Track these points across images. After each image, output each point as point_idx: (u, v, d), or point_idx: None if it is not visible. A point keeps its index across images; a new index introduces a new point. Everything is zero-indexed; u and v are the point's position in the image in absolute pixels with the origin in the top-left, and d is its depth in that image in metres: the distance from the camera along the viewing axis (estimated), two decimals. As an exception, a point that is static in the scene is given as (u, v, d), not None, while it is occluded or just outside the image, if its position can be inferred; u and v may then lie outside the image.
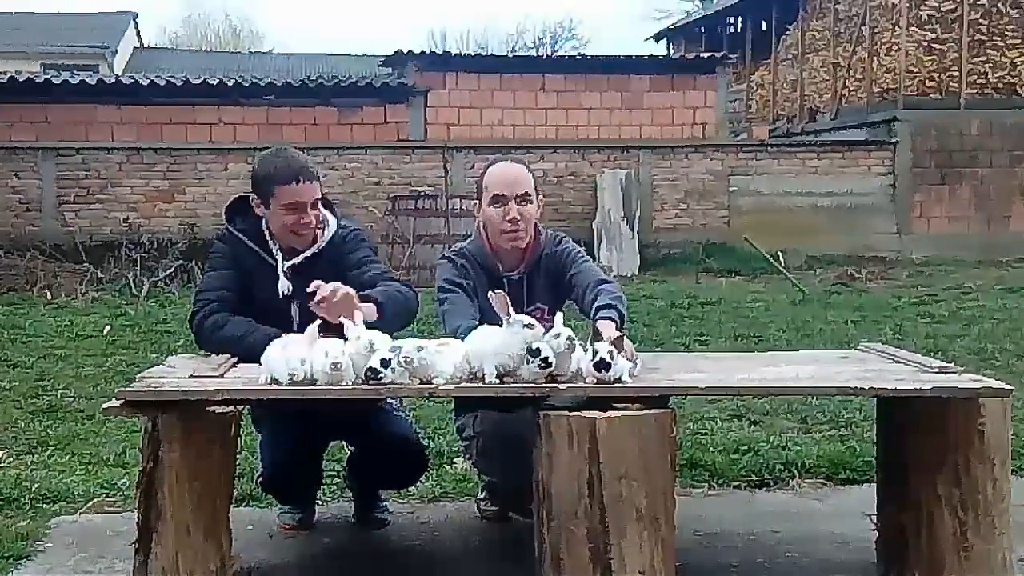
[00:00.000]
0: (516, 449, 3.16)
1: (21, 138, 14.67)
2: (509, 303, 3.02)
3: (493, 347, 2.97)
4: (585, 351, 3.00)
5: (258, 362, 3.11)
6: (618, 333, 3.11)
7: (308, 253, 3.62)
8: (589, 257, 3.77)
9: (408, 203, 13.45)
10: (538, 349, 2.93)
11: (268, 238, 3.65)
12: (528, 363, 2.93)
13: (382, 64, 17.97)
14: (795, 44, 20.36)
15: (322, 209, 3.67)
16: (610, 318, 3.30)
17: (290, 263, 3.61)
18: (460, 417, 3.84)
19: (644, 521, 2.85)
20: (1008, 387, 3.11)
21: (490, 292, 3.14)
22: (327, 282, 3.34)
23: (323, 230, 3.66)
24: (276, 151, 3.69)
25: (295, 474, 3.71)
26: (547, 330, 2.99)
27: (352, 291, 3.22)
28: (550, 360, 2.92)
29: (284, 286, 3.59)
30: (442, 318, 3.52)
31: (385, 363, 2.90)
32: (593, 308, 3.41)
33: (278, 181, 3.52)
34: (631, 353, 3.08)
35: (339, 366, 2.91)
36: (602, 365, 2.93)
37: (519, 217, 3.58)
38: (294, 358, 2.94)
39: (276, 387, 2.97)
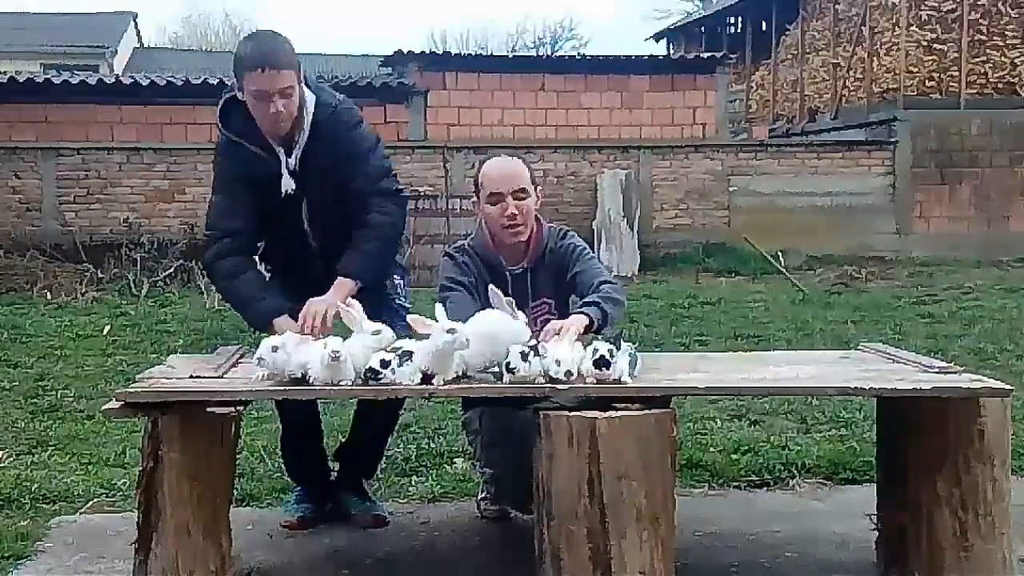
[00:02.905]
0: (521, 445, 3.14)
1: (21, 138, 14.65)
2: (504, 299, 3.07)
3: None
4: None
5: (259, 328, 3.37)
6: (571, 323, 3.14)
7: (302, 144, 3.54)
8: (594, 255, 3.73)
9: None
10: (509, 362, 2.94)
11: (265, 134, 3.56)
12: (527, 361, 2.93)
13: (382, 64, 17.97)
14: (795, 44, 20.35)
15: (304, 90, 3.55)
16: (584, 313, 3.28)
17: (294, 158, 3.54)
18: (467, 411, 3.83)
19: (644, 521, 2.86)
20: (1008, 387, 3.12)
21: (490, 287, 3.16)
22: (326, 170, 3.46)
23: (306, 115, 3.55)
24: (253, 33, 3.62)
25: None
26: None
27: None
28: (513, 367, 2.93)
29: (287, 185, 3.54)
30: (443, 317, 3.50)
31: (385, 364, 2.90)
32: (578, 305, 3.40)
33: (245, 67, 3.43)
34: (570, 332, 3.10)
35: (338, 355, 2.91)
36: (601, 363, 2.93)
37: (517, 212, 3.56)
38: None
39: (276, 387, 2.98)
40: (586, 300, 3.38)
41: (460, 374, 3.03)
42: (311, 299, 3.41)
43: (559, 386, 2.94)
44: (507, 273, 3.63)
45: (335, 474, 4.05)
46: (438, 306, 3.08)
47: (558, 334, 3.12)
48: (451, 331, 2.95)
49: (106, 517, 3.97)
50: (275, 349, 2.97)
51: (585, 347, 3.03)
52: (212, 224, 3.59)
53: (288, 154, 3.54)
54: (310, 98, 3.56)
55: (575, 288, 3.59)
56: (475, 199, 3.72)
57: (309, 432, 3.91)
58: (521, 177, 3.60)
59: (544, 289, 3.65)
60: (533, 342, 3.00)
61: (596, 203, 14.99)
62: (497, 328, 3.05)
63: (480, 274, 3.61)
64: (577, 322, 3.23)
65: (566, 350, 2.97)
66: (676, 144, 15.86)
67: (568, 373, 2.92)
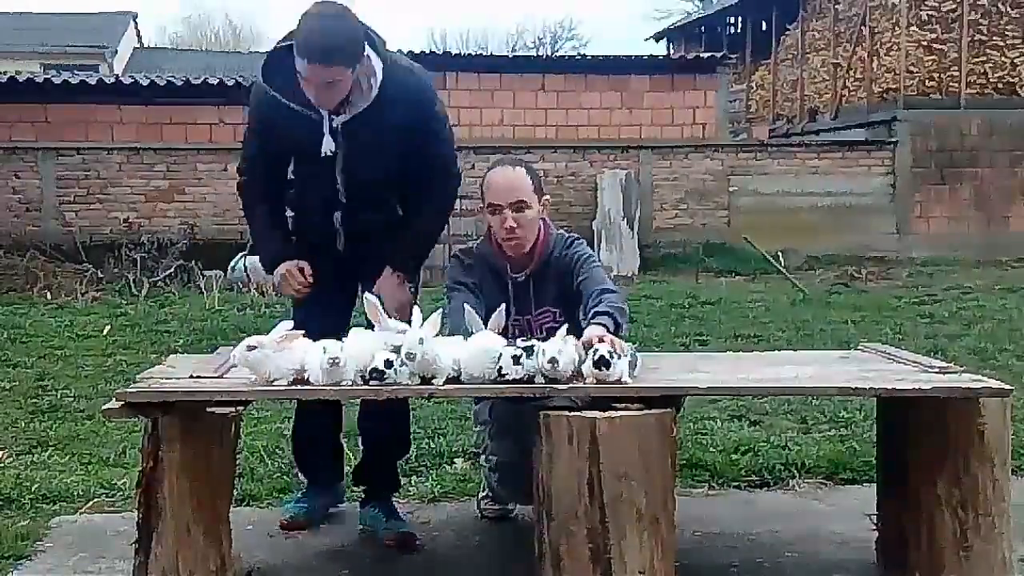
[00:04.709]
0: (529, 435, 3.12)
1: (21, 138, 14.66)
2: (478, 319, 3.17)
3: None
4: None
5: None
6: (601, 333, 3.09)
7: (358, 111, 3.41)
8: (599, 263, 3.66)
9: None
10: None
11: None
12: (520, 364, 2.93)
13: (382, 64, 17.97)
14: (795, 44, 20.36)
15: (371, 56, 3.36)
16: (601, 324, 3.20)
17: (340, 121, 3.42)
18: (478, 403, 3.82)
19: (644, 521, 2.85)
20: (1008, 387, 3.11)
21: (465, 307, 3.24)
22: (376, 142, 3.39)
23: (371, 83, 3.39)
24: (326, 10, 3.28)
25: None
26: (555, 332, 3.03)
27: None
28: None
29: (328, 146, 3.44)
30: (447, 317, 3.48)
31: (388, 364, 2.90)
32: (589, 314, 3.34)
33: (300, 52, 3.20)
34: (619, 347, 3.06)
35: (336, 361, 2.91)
36: (602, 363, 2.92)
37: (515, 225, 3.50)
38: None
39: (275, 388, 2.98)
40: (598, 311, 3.31)
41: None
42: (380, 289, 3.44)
43: (558, 386, 2.94)
44: (509, 281, 3.61)
45: (359, 494, 3.98)
46: (415, 310, 3.06)
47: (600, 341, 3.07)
48: (403, 332, 2.97)
49: (106, 517, 3.97)
50: (251, 348, 2.95)
51: (585, 348, 3.03)
52: (241, 154, 3.68)
53: (336, 114, 3.42)
54: (376, 65, 3.39)
55: (579, 296, 3.56)
56: (481, 204, 3.69)
57: (327, 414, 3.85)
58: (521, 189, 3.53)
59: (547, 297, 3.60)
60: (525, 343, 2.98)
61: (596, 203, 15.00)
62: (494, 345, 3.04)
63: (484, 278, 3.60)
64: (609, 335, 3.15)
65: (558, 347, 2.96)
66: (676, 144, 15.87)
67: (553, 361, 2.91)
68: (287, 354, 2.96)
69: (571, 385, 2.95)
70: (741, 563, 3.50)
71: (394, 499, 4.01)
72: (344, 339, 3.04)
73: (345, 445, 4.34)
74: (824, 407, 5.50)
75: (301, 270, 3.57)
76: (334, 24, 3.24)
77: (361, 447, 3.99)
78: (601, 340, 3.04)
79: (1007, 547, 3.10)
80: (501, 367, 2.93)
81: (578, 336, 3.17)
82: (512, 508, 3.96)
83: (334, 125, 3.43)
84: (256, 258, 3.88)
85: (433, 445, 4.82)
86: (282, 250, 3.62)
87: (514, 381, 2.94)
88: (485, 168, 3.75)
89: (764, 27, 22.25)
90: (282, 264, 3.59)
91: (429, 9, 75.00)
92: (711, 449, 4.77)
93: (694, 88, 16.30)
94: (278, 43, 3.44)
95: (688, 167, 15.80)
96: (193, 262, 12.41)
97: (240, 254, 11.70)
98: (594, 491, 2.85)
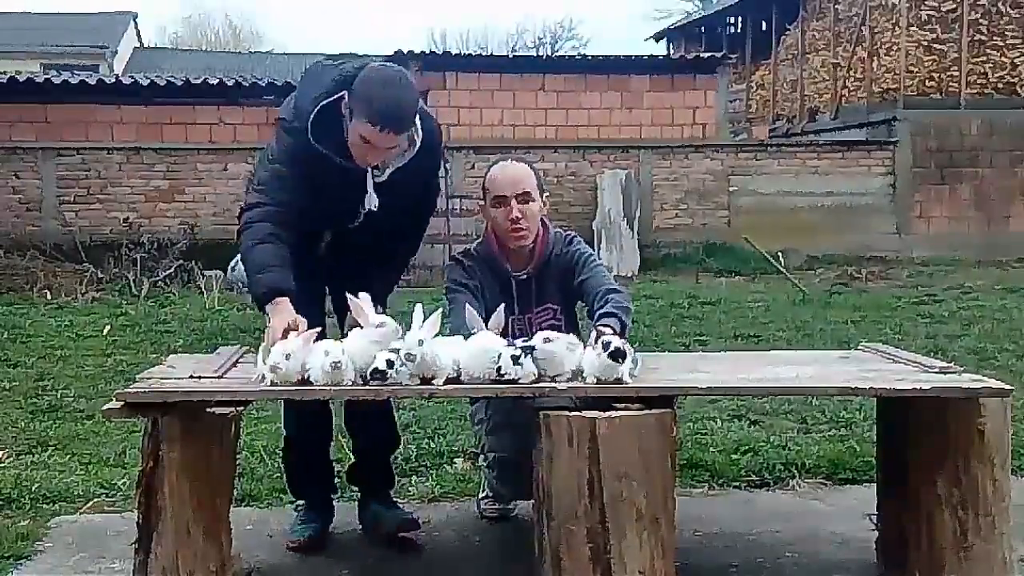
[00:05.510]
0: (526, 430, 3.11)
1: (21, 138, 14.65)
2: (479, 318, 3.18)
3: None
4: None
5: (256, 299, 3.24)
6: (607, 336, 3.10)
7: (400, 165, 3.45)
8: (600, 261, 3.69)
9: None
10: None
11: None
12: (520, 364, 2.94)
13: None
14: (795, 44, 20.37)
15: (416, 121, 3.40)
16: (609, 325, 3.23)
17: (380, 179, 3.44)
18: (474, 403, 3.83)
19: (644, 521, 2.86)
20: (1008, 387, 3.11)
21: (467, 307, 3.24)
22: (406, 194, 3.46)
23: (416, 139, 3.42)
24: (389, 75, 3.29)
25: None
26: (559, 329, 3.03)
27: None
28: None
29: (372, 202, 3.47)
30: (448, 318, 3.48)
31: (390, 364, 2.90)
32: (595, 316, 3.36)
33: (370, 119, 3.21)
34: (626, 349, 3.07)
35: (339, 364, 2.91)
36: (618, 355, 2.91)
37: (521, 216, 3.54)
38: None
39: (275, 388, 2.98)
40: (604, 311, 3.33)
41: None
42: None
43: (558, 386, 2.94)
44: (512, 279, 3.62)
45: (357, 494, 3.97)
46: (418, 308, 3.06)
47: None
48: (381, 324, 2.98)
49: (106, 517, 3.97)
50: (288, 357, 2.94)
51: (595, 340, 3.02)
52: (258, 193, 3.41)
53: (380, 171, 3.44)
54: (419, 129, 3.43)
55: (582, 295, 3.58)
56: (482, 203, 3.71)
57: (321, 430, 3.83)
58: (525, 182, 3.58)
59: (549, 295, 3.63)
60: (524, 343, 2.98)
61: (596, 203, 15.00)
62: (494, 345, 3.04)
63: (485, 279, 3.60)
64: (615, 337, 3.15)
65: (561, 349, 2.96)
66: (676, 144, 15.87)
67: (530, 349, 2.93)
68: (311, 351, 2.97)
69: (571, 385, 2.96)
70: (741, 563, 3.50)
71: (395, 499, 4.00)
72: (343, 340, 3.06)
73: (346, 445, 4.34)
74: (824, 407, 5.50)
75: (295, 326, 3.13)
76: (402, 92, 3.28)
77: (353, 448, 3.98)
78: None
79: (1007, 547, 3.10)
80: (501, 367, 2.93)
81: (578, 333, 3.18)
82: (512, 508, 3.96)
83: (377, 181, 3.46)
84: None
85: (433, 445, 4.83)
86: (286, 284, 3.25)
87: (514, 381, 2.94)
88: (485, 168, 3.76)
89: (764, 27, 22.26)
90: (283, 302, 3.20)
91: (429, 9, 75.12)
92: (711, 449, 4.77)
93: (694, 88, 16.31)
94: (320, 95, 3.35)
95: (688, 167, 15.81)
96: (193, 262, 12.41)
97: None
98: (594, 491, 2.85)
